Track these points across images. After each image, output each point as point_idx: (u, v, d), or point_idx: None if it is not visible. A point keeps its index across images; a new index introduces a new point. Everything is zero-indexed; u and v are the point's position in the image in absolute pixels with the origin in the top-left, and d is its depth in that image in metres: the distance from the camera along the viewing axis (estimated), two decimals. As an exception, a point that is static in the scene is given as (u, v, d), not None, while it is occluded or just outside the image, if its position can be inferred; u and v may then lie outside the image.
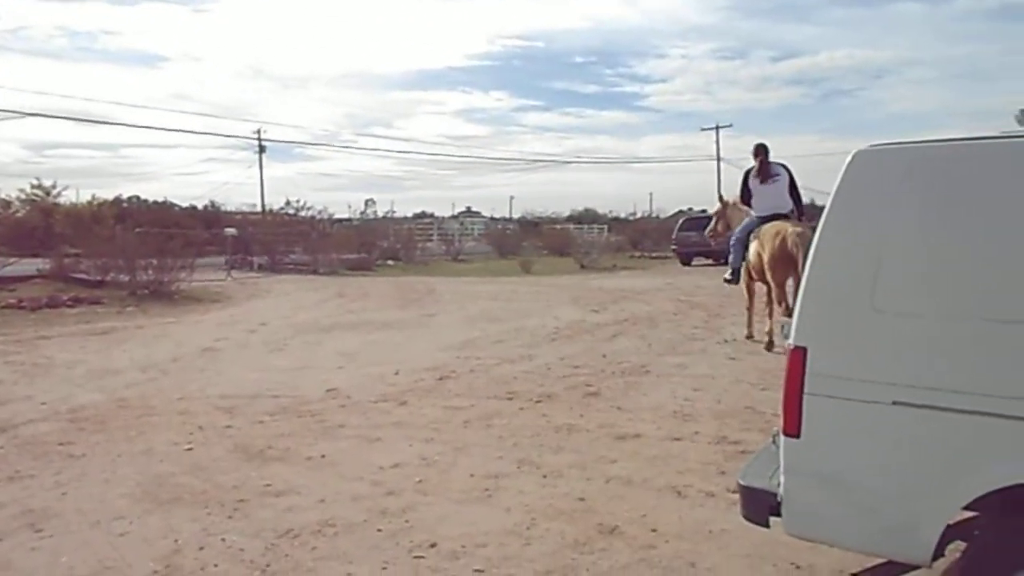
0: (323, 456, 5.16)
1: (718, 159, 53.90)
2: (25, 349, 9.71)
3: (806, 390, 2.48)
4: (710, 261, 25.30)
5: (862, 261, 2.46)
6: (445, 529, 3.88)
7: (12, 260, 18.95)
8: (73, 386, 7.48)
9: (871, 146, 2.59)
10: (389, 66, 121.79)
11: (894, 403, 2.36)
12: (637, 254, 35.13)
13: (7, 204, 28.52)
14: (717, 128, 54.29)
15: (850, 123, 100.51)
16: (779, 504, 2.60)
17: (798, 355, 2.50)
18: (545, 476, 4.67)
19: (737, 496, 2.86)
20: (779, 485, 2.61)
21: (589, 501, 4.26)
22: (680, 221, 31.03)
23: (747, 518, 2.77)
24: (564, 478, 4.63)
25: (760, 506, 2.67)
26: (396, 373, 7.91)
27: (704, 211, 30.16)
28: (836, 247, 2.53)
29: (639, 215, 59.88)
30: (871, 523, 2.47)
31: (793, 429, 2.52)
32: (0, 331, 11.29)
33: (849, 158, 2.55)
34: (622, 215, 60.05)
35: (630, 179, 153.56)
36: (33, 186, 30.92)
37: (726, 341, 9.50)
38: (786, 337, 2.59)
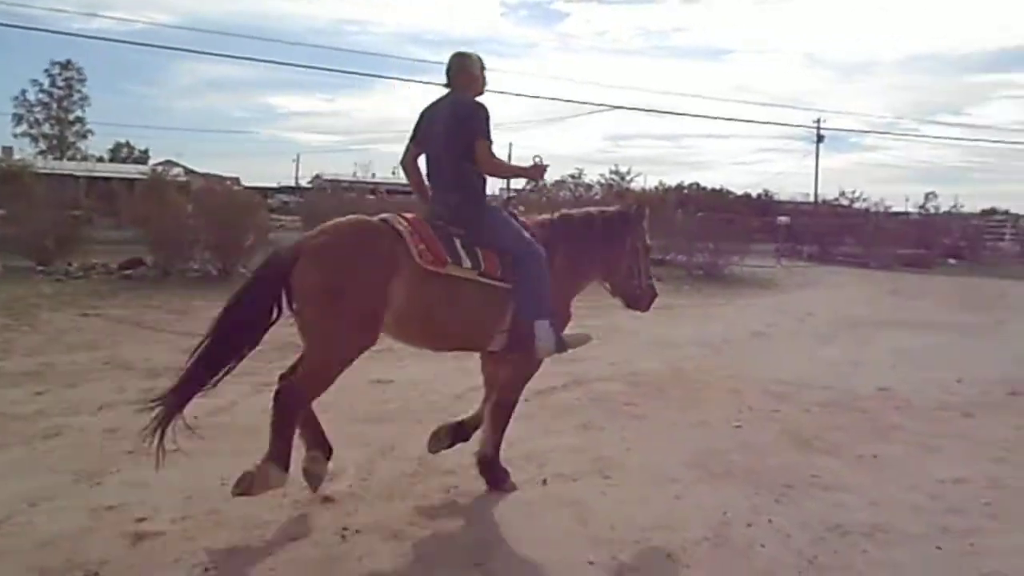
0: (875, 456, 5.29)
1: None
2: (600, 316, 10.14)
3: None
4: None
5: None
6: (1019, 562, 3.79)
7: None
8: (636, 352, 8.54)
9: None
10: (962, 46, 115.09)
11: None
12: None
13: (589, 187, 36.73)
14: None
15: None
16: None
17: None
18: None
19: None
20: None
21: None
22: None
23: None
24: None
25: None
26: (958, 381, 7.84)
27: None
28: None
29: None
30: None
31: None
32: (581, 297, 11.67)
33: None
34: None
35: None
36: (611, 172, 39.85)
37: None
38: None
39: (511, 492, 4.43)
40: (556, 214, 4.84)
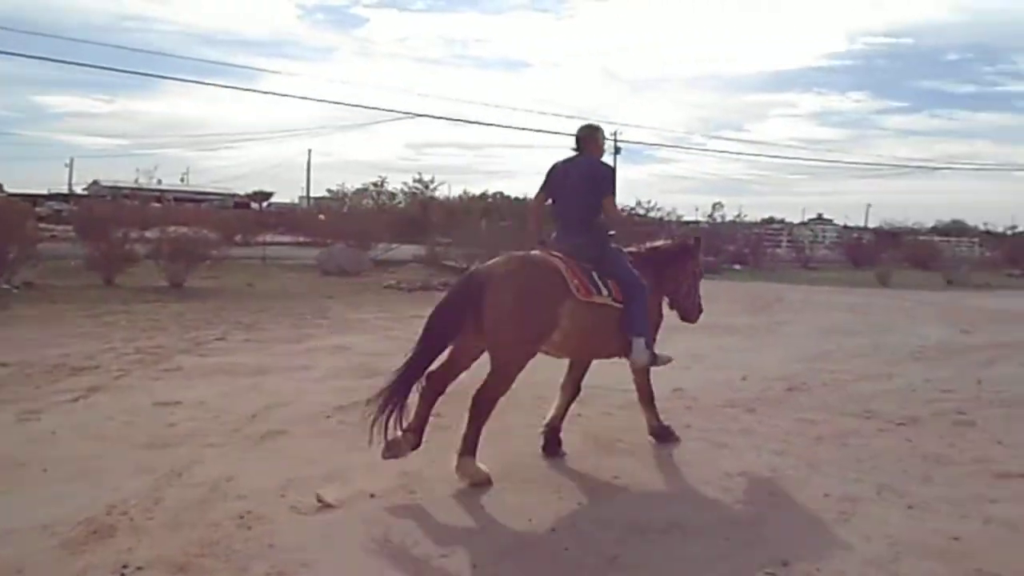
0: (670, 455, 5.67)
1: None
2: (401, 326, 10.81)
3: None
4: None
5: None
6: (798, 548, 4.07)
7: (394, 246, 24.79)
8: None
9: None
10: (743, 67, 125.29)
11: None
12: (1017, 272, 32.86)
13: (392, 196, 38.49)
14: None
15: None
16: None
17: None
18: (911, 507, 4.73)
19: None
20: None
21: (965, 542, 4.22)
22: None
23: None
24: (933, 512, 4.67)
25: None
26: (743, 379, 8.49)
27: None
28: None
29: (1021, 229, 54.13)
30: None
31: None
32: (382, 308, 13.72)
33: None
34: (999, 228, 54.14)
35: (1010, 188, 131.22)
36: (415, 180, 38.59)
37: None
38: None
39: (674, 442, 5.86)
40: (643, 247, 6.07)
